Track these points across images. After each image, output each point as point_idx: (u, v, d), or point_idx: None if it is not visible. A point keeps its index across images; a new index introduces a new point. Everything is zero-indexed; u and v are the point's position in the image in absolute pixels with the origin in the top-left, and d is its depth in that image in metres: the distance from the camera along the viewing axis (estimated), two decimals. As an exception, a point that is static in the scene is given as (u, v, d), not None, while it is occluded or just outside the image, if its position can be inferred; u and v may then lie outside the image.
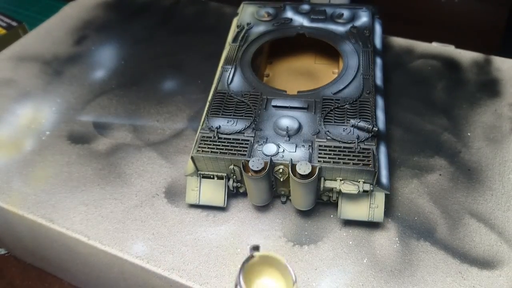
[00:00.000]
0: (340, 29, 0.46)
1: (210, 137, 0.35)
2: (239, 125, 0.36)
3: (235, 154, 0.34)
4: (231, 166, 0.35)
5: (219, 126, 0.36)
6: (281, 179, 0.35)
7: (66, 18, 0.62)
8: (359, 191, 0.33)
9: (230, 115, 0.37)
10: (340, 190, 0.33)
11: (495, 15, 0.75)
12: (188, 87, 0.50)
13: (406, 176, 0.40)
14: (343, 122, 0.36)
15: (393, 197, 0.39)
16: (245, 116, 0.37)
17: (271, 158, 0.34)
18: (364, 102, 0.37)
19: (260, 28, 0.46)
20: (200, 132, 0.36)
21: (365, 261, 0.34)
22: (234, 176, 0.36)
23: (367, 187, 0.33)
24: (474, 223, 0.37)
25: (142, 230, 0.37)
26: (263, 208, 0.38)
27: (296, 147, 0.34)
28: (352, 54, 0.42)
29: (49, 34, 0.59)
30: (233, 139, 0.35)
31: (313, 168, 0.33)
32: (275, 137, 0.35)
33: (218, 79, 0.41)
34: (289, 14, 0.48)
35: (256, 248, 0.25)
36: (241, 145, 0.35)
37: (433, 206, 0.38)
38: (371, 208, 0.35)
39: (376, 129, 0.34)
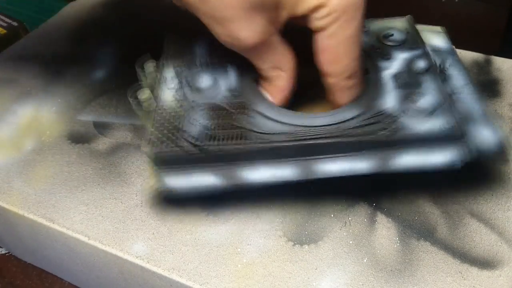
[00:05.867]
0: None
1: None
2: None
3: None
4: None
5: None
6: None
7: (67, 18, 0.62)
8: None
9: None
10: None
11: (495, 15, 0.75)
12: (188, 87, 0.50)
13: (407, 176, 0.40)
14: None
15: (393, 197, 0.39)
16: None
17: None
18: None
19: None
20: None
21: (365, 260, 0.34)
22: None
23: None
24: (474, 223, 0.37)
25: (142, 229, 0.37)
26: (263, 207, 0.38)
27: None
28: None
29: (49, 34, 0.59)
30: None
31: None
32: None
33: None
34: None
35: None
36: None
37: (433, 206, 0.38)
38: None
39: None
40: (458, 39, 0.61)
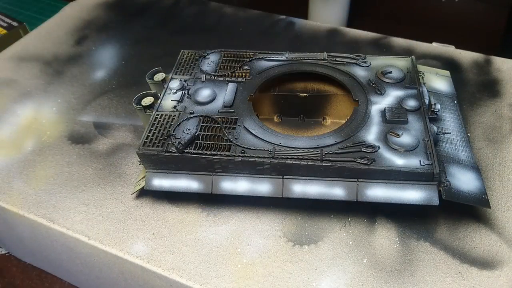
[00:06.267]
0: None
1: None
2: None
3: None
4: None
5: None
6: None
7: (67, 18, 0.62)
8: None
9: None
10: None
11: (495, 15, 0.75)
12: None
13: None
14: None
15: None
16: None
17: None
18: None
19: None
20: None
21: (365, 261, 0.34)
22: None
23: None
24: (474, 223, 0.37)
25: (142, 230, 0.37)
26: (263, 208, 0.38)
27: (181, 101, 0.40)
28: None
29: (49, 34, 0.59)
30: None
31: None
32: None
33: None
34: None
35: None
36: None
37: (433, 206, 0.38)
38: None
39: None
40: (458, 39, 0.61)
